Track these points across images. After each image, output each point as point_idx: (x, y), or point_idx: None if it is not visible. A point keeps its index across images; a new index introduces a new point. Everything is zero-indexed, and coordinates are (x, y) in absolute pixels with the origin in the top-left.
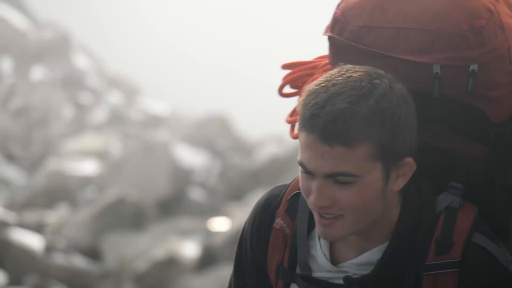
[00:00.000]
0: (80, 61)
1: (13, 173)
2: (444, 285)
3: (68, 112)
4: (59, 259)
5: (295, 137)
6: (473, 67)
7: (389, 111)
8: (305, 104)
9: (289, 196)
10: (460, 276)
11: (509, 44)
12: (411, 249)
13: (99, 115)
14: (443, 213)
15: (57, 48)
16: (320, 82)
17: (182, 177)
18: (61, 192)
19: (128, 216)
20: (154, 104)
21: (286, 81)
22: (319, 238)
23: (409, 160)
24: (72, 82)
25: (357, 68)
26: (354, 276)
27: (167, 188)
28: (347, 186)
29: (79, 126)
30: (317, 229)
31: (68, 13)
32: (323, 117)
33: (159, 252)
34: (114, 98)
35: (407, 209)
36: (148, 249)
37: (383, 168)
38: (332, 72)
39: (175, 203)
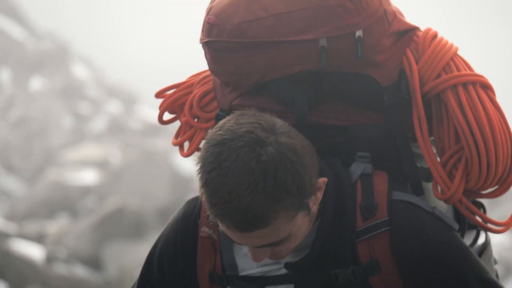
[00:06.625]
0: (79, 71)
1: (13, 184)
2: (378, 245)
3: (67, 122)
4: (60, 269)
5: (187, 155)
6: (359, 33)
7: (288, 179)
8: (206, 187)
9: None
10: (391, 232)
11: (385, 7)
12: (340, 221)
13: (98, 124)
14: (359, 180)
15: (55, 58)
16: (211, 159)
17: (182, 185)
18: (61, 202)
19: (128, 225)
20: (154, 112)
21: (164, 107)
22: None
23: (320, 181)
24: (71, 92)
25: (239, 134)
26: (293, 262)
27: (167, 196)
28: (280, 243)
29: (78, 136)
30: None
31: (67, 23)
32: (235, 214)
33: None
34: (113, 107)
35: (328, 187)
36: None
37: (303, 211)
38: (214, 142)
39: (175, 212)
